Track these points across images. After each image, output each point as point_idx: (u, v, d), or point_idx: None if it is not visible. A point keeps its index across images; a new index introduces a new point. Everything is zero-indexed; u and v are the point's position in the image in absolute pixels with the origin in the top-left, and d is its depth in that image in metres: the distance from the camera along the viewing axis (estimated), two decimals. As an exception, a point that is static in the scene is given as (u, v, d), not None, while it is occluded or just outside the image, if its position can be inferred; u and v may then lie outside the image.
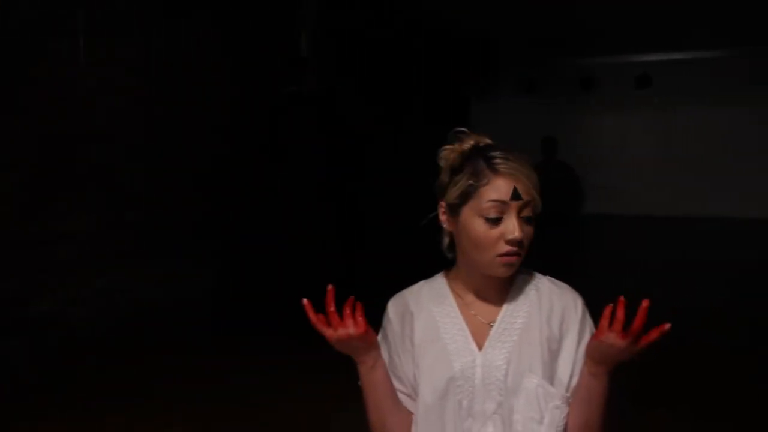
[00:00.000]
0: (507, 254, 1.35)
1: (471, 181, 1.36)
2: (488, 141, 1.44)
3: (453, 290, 1.49)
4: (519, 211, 1.35)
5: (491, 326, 1.43)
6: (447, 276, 1.52)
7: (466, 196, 1.37)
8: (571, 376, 1.43)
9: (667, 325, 1.27)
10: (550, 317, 1.43)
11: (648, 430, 3.19)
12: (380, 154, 8.98)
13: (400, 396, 1.47)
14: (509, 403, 1.38)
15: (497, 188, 1.34)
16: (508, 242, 1.34)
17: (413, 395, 1.45)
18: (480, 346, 1.41)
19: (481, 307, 1.46)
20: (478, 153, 1.39)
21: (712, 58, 10.47)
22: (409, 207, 8.42)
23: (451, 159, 1.43)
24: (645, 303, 1.27)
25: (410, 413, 1.46)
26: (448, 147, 1.45)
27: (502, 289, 1.46)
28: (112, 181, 5.00)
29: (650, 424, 3.24)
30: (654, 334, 1.28)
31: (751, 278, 6.67)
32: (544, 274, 1.53)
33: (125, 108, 5.11)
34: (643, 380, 3.73)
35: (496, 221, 1.34)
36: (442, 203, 1.44)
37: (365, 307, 1.42)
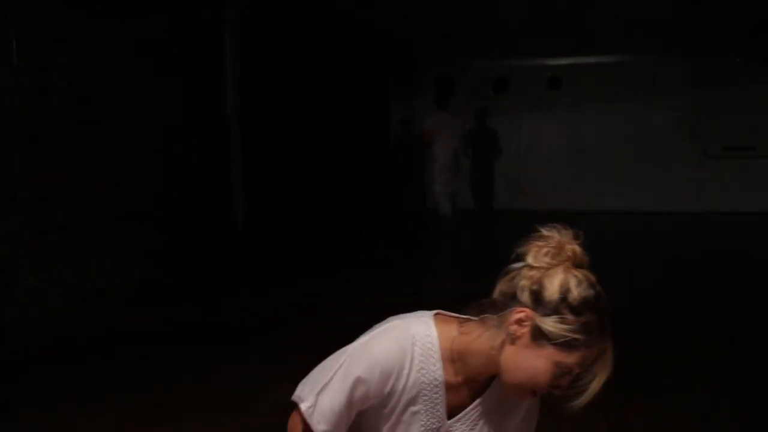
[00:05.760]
0: (534, 394, 1.32)
1: (580, 337, 1.24)
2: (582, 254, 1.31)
3: (444, 357, 1.38)
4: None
5: (464, 407, 1.42)
6: (441, 333, 1.39)
7: (564, 344, 1.25)
8: None
9: None
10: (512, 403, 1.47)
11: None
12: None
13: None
14: None
15: (594, 363, 1.27)
16: (544, 392, 1.31)
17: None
18: (449, 415, 1.41)
19: (466, 383, 1.41)
20: (596, 303, 1.26)
21: (617, 62, 11.11)
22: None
23: (566, 284, 1.26)
24: None
25: None
26: (547, 251, 1.28)
27: (490, 377, 1.43)
28: (42, 182, 4.97)
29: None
30: None
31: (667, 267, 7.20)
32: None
33: (53, 108, 5.08)
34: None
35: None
36: (529, 313, 1.27)
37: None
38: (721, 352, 4.26)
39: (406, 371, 1.35)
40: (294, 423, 1.42)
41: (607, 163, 11.56)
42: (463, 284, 6.75)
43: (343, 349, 1.40)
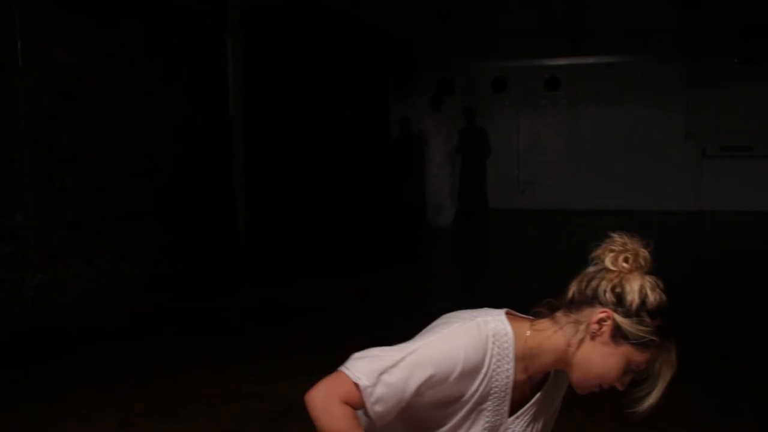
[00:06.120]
0: (599, 389, 1.42)
1: (655, 338, 1.35)
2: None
3: (517, 356, 1.41)
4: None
5: (523, 403, 1.47)
6: (517, 332, 1.42)
7: (641, 344, 1.35)
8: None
9: None
10: (561, 392, 1.57)
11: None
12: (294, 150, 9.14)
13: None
14: None
15: (662, 363, 1.38)
16: (609, 386, 1.40)
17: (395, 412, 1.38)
18: (510, 411, 1.46)
19: (529, 379, 1.46)
20: (667, 307, 1.38)
21: (615, 62, 11.16)
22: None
23: (644, 289, 1.36)
24: None
25: None
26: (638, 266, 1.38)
27: (546, 373, 1.49)
28: (49, 180, 5.04)
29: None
30: None
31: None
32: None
33: (60, 109, 5.15)
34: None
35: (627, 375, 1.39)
36: (610, 314, 1.36)
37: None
38: (720, 352, 4.31)
39: (484, 370, 1.39)
40: (334, 388, 1.34)
41: (605, 163, 11.62)
42: (461, 283, 6.82)
43: (413, 339, 1.39)
